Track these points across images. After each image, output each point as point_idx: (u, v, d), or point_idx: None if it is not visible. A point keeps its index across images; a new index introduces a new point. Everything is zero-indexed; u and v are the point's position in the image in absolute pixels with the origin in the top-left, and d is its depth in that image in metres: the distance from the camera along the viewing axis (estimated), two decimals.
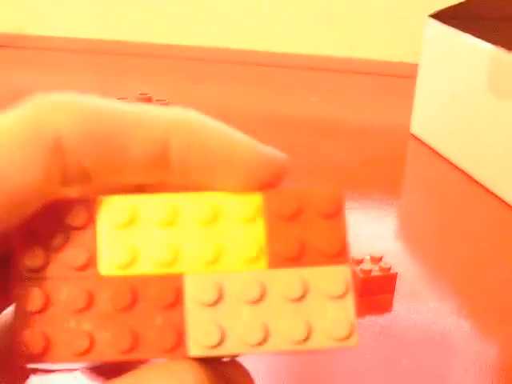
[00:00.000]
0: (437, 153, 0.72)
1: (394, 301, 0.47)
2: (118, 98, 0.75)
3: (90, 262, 0.17)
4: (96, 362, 0.19)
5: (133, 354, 0.17)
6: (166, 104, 0.73)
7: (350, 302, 0.17)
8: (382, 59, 1.01)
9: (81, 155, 0.16)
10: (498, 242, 0.57)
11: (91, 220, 0.17)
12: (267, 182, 0.17)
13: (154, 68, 0.96)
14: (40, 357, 0.16)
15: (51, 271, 0.17)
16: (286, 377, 0.39)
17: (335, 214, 0.17)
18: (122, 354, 0.17)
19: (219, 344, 0.17)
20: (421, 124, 0.76)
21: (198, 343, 0.17)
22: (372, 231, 0.56)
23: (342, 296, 0.17)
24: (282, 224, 0.17)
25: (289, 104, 0.86)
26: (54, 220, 0.17)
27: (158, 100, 0.73)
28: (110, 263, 0.17)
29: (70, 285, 0.17)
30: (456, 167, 0.69)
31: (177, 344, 0.17)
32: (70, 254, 0.17)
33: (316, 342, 0.17)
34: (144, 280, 0.17)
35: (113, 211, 0.17)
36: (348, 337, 0.17)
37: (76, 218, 0.17)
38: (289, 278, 0.17)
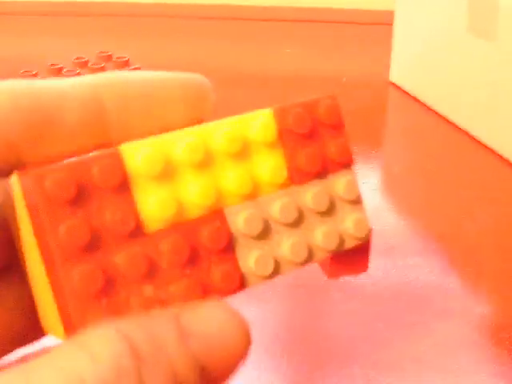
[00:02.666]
0: (418, 100, 0.70)
1: (370, 259, 0.43)
2: (77, 58, 0.71)
3: (135, 224, 0.16)
4: None
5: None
6: (127, 61, 0.69)
7: (363, 204, 0.19)
8: (355, 7, 0.98)
9: (7, 130, 0.16)
10: (482, 191, 0.54)
11: (122, 176, 0.16)
12: (204, 110, 0.18)
13: (114, 26, 0.94)
14: None
15: (97, 245, 0.16)
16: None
17: (338, 123, 0.19)
18: None
19: (274, 272, 0.18)
20: (400, 71, 0.72)
21: (255, 275, 0.18)
22: None
23: (358, 198, 0.19)
24: (297, 141, 0.18)
25: (262, 56, 0.83)
26: (79, 186, 0.16)
27: (118, 58, 0.69)
28: (154, 219, 0.16)
29: (123, 254, 0.16)
30: (438, 114, 0.66)
31: (236, 281, 0.17)
32: (112, 221, 0.16)
33: (346, 245, 0.19)
34: (192, 226, 0.17)
35: (143, 162, 0.16)
36: (368, 235, 0.19)
37: (105, 177, 0.16)
38: (316, 191, 0.18)
